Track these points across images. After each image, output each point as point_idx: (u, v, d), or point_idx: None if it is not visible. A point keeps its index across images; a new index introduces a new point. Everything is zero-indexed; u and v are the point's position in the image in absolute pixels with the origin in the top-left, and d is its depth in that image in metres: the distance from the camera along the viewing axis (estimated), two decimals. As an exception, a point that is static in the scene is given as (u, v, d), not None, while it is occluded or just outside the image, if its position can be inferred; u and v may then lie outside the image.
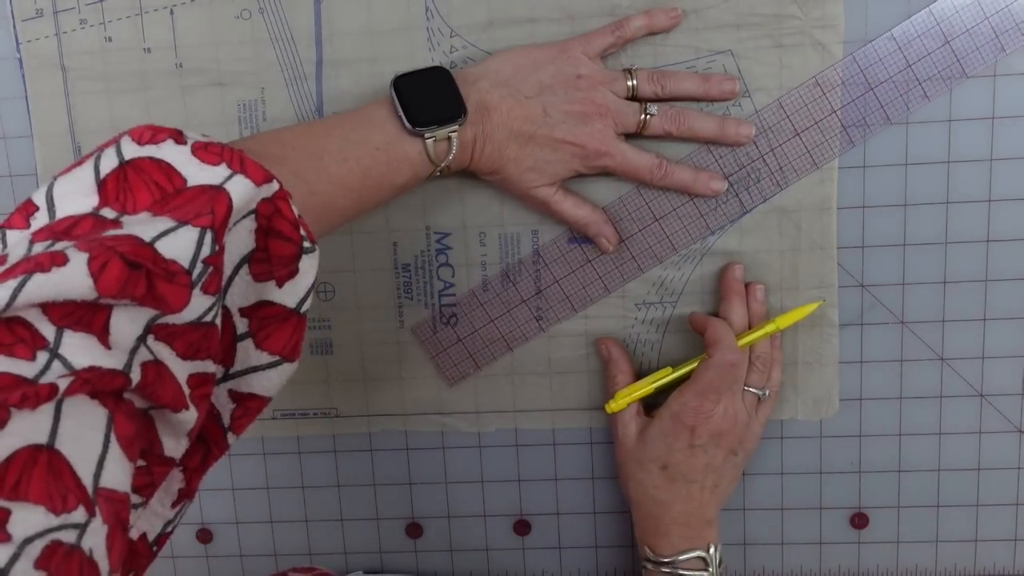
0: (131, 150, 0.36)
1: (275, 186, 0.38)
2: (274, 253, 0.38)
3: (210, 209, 0.34)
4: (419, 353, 0.60)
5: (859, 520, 0.60)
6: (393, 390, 0.61)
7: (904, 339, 0.57)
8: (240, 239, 0.37)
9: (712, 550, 0.53)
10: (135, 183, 0.35)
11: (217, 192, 0.35)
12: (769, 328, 0.54)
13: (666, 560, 0.53)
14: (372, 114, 0.48)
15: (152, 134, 0.37)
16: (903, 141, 0.54)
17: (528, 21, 0.54)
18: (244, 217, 0.37)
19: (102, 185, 0.35)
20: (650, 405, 0.56)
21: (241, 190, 0.36)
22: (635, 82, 0.52)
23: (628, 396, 0.55)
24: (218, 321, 0.36)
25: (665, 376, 0.55)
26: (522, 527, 0.63)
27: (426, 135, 0.48)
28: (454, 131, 0.48)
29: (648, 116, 0.52)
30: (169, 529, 0.39)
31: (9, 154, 0.59)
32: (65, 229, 0.33)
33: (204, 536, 0.65)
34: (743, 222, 0.56)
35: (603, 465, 0.61)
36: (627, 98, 0.52)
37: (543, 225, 0.57)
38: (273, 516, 0.64)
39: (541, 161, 0.51)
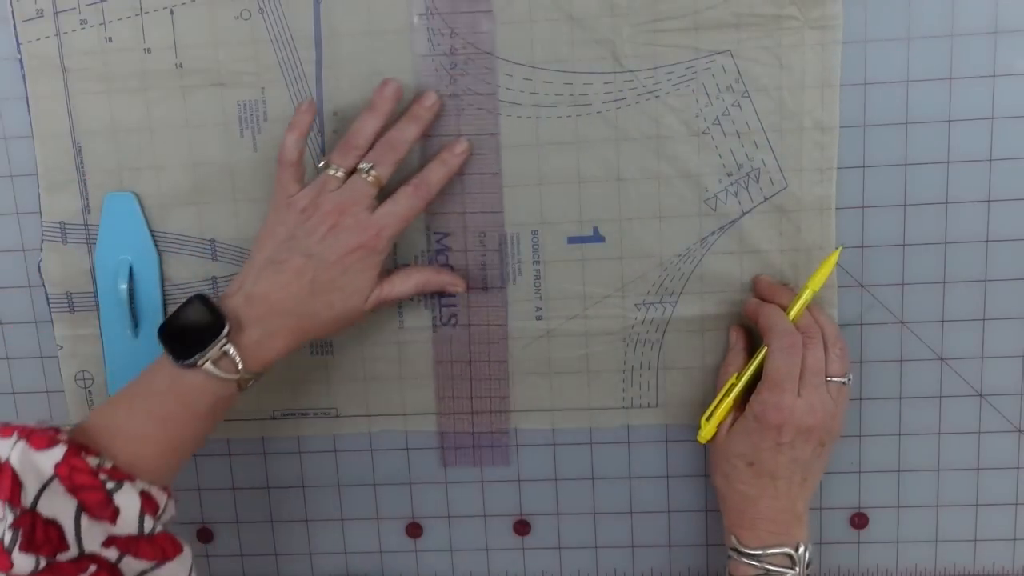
0: None
1: (61, 449, 0.43)
2: (89, 503, 0.43)
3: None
4: (419, 353, 0.60)
5: (859, 520, 0.60)
6: (393, 390, 0.61)
7: (904, 339, 0.57)
8: (60, 500, 0.43)
9: (801, 549, 0.52)
10: None
11: (3, 466, 0.42)
12: (807, 295, 0.53)
13: (752, 553, 0.52)
14: (151, 367, 0.50)
15: None
16: (903, 141, 0.54)
17: (528, 21, 0.54)
18: (49, 482, 0.43)
19: None
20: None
21: (19, 457, 0.42)
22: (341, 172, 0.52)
23: (713, 421, 0.54)
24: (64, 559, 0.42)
25: (734, 384, 0.54)
26: (522, 527, 0.63)
27: (198, 362, 0.48)
28: (224, 344, 0.48)
29: (371, 173, 0.51)
30: None
31: (9, 154, 0.59)
32: None
33: (204, 536, 0.65)
34: (743, 222, 0.56)
35: (603, 465, 0.61)
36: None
37: (543, 225, 0.57)
38: (273, 516, 0.64)
39: (339, 292, 0.51)
